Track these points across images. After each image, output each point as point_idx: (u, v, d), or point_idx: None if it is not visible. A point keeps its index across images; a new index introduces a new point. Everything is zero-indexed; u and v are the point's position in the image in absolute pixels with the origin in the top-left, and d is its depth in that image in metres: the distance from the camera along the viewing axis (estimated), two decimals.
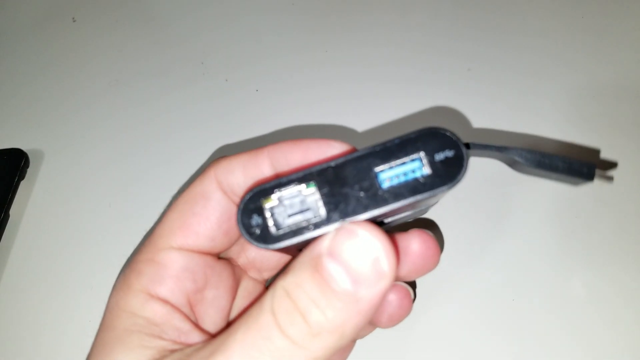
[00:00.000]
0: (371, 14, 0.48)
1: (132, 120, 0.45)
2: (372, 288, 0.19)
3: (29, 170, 0.43)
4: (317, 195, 0.21)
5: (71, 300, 0.37)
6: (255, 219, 0.21)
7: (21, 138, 0.45)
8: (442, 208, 0.35)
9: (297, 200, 0.21)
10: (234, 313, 0.28)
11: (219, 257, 0.27)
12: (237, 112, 0.44)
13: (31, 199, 0.42)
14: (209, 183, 0.25)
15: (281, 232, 0.21)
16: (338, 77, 0.45)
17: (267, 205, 0.21)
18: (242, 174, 0.25)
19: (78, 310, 0.37)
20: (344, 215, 0.20)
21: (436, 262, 0.26)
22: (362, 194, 0.20)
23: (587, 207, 0.34)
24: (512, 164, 0.25)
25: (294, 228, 0.21)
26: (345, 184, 0.21)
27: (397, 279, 0.26)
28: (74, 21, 0.51)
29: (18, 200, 0.42)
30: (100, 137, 0.45)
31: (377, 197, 0.20)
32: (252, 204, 0.21)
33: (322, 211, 0.21)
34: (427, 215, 0.35)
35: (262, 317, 0.20)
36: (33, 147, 0.44)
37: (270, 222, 0.21)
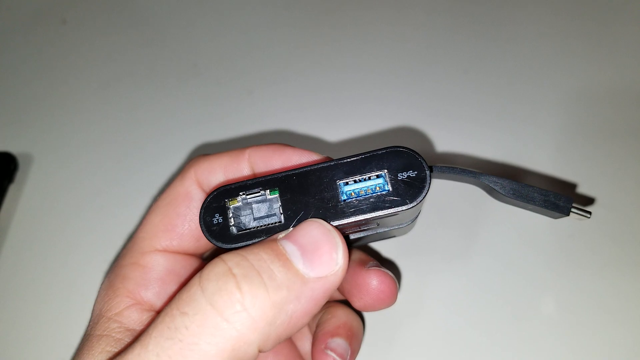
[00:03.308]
0: (368, 10, 0.49)
1: (122, 123, 0.46)
2: (322, 278, 0.20)
3: (18, 174, 0.43)
4: (279, 202, 0.21)
5: (60, 303, 0.38)
6: (217, 218, 0.22)
7: (10, 141, 0.45)
8: (424, 218, 0.36)
9: (258, 204, 0.22)
10: None
11: (202, 258, 0.28)
12: (230, 115, 0.45)
13: (20, 203, 0.42)
14: (190, 183, 0.26)
15: (240, 233, 0.21)
16: (333, 81, 0.45)
17: (230, 205, 0.22)
18: (223, 175, 0.25)
19: (67, 314, 0.37)
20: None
21: (393, 299, 0.26)
22: (322, 204, 0.21)
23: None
24: (489, 192, 0.26)
25: (252, 231, 0.21)
26: (307, 192, 0.21)
27: (359, 308, 0.27)
28: (64, 23, 0.50)
29: (7, 204, 0.42)
30: (90, 140, 0.45)
31: (336, 209, 0.21)
32: (215, 203, 0.22)
33: (282, 217, 0.21)
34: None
35: (188, 291, 0.19)
36: (22, 150, 0.44)
37: (231, 222, 0.21)
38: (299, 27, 0.48)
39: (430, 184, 0.21)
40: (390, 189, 0.21)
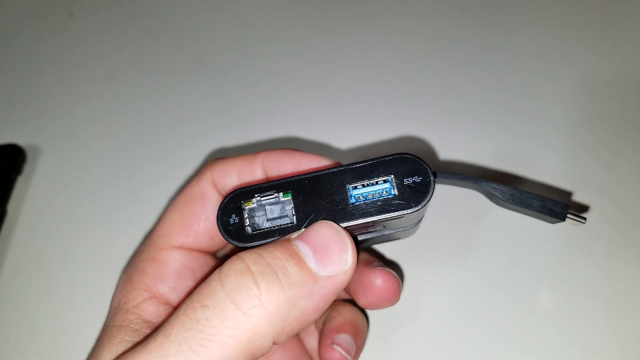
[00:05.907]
0: (375, 4, 0.49)
1: (128, 115, 0.46)
2: (333, 276, 0.21)
3: (26, 165, 0.44)
4: (292, 204, 0.23)
5: (69, 295, 0.39)
6: (233, 218, 0.23)
7: (18, 134, 0.45)
8: (426, 219, 0.37)
9: (272, 206, 0.23)
10: None
11: (216, 256, 0.29)
12: (234, 108, 0.45)
13: (28, 195, 0.43)
14: (206, 184, 0.27)
15: (255, 233, 0.23)
16: (338, 73, 0.46)
17: (246, 207, 0.23)
18: (237, 178, 0.27)
19: (76, 306, 0.38)
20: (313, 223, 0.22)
21: (397, 297, 0.28)
22: (332, 206, 0.22)
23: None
24: (490, 197, 0.27)
25: (266, 231, 0.23)
26: (319, 195, 0.23)
27: (364, 306, 0.28)
28: (70, 15, 0.51)
29: (15, 196, 0.43)
30: (97, 132, 0.46)
31: (346, 211, 0.22)
32: (232, 204, 0.23)
33: (294, 218, 0.23)
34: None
35: (209, 286, 0.20)
36: (30, 142, 0.45)
37: (246, 223, 0.23)
38: (302, 20, 0.49)
39: (434, 189, 0.22)
40: (397, 193, 0.22)
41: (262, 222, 0.23)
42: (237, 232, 0.23)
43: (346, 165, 0.23)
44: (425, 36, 0.47)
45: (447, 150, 0.41)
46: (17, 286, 0.39)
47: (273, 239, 0.22)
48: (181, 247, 0.27)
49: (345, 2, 0.49)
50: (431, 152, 0.41)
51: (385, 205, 0.22)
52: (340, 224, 0.22)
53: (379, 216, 0.22)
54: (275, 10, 0.50)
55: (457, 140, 0.41)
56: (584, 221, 0.26)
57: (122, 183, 0.43)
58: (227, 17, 0.50)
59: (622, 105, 0.41)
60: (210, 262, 0.28)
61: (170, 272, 0.26)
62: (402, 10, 0.49)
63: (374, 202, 0.22)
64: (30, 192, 0.43)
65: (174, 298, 0.26)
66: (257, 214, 0.23)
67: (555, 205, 0.26)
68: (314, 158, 0.26)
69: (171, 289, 0.26)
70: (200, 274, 0.27)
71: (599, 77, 0.43)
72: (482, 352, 0.34)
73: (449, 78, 0.44)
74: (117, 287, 0.27)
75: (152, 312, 0.25)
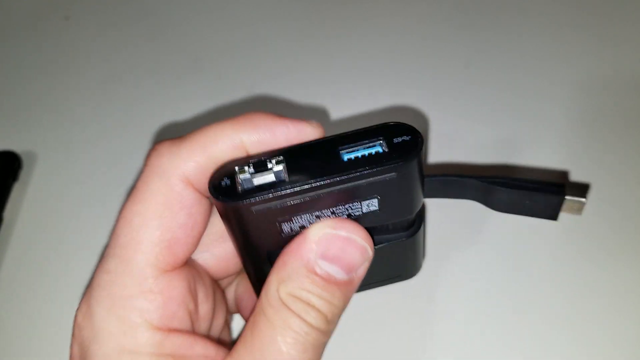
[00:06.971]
0: (372, 4, 0.49)
1: (125, 120, 0.46)
2: (362, 268, 0.24)
3: (22, 172, 0.43)
4: (283, 165, 0.23)
5: (66, 302, 0.38)
6: (225, 181, 0.23)
7: (13, 140, 0.45)
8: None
9: (264, 171, 0.23)
10: (220, 325, 0.28)
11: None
12: (234, 111, 0.45)
13: (25, 202, 0.42)
14: (178, 184, 0.23)
15: (246, 188, 0.22)
16: (335, 75, 0.46)
17: (238, 172, 0.22)
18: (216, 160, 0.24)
19: (73, 314, 0.37)
20: (306, 179, 0.22)
21: None
22: (324, 164, 0.23)
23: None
24: (486, 201, 0.27)
25: (258, 188, 0.22)
26: (311, 160, 0.23)
27: None
28: (67, 19, 0.50)
29: (12, 203, 0.42)
30: (94, 138, 0.45)
31: (337, 166, 0.23)
32: (223, 170, 0.23)
33: (286, 176, 0.23)
34: None
35: (278, 314, 0.22)
36: (26, 149, 0.44)
37: (238, 186, 0.22)
38: (301, 20, 0.49)
39: (422, 146, 0.23)
40: (387, 150, 0.23)
41: (254, 180, 0.22)
42: (229, 192, 0.22)
43: (338, 134, 0.24)
44: (424, 36, 0.47)
45: (446, 151, 0.41)
46: (14, 293, 0.39)
47: (267, 194, 0.22)
48: (173, 270, 0.23)
49: (346, 2, 0.49)
50: (427, 154, 0.41)
51: (377, 160, 0.23)
52: (335, 177, 0.22)
53: (370, 171, 0.22)
54: (275, 11, 0.50)
55: (454, 140, 0.41)
56: (584, 200, 0.26)
57: (119, 190, 0.42)
58: (225, 19, 0.50)
59: (622, 105, 0.41)
60: (207, 280, 0.26)
61: (176, 304, 0.23)
62: (403, 10, 0.48)
63: (364, 159, 0.23)
64: (27, 198, 0.43)
65: (182, 327, 0.23)
66: (249, 173, 0.22)
67: (551, 185, 0.26)
68: (298, 123, 0.24)
69: (179, 320, 0.23)
70: (194, 292, 0.24)
71: (599, 77, 0.43)
72: (481, 352, 0.33)
73: (447, 79, 0.44)
74: (101, 333, 0.22)
75: (180, 343, 0.22)
